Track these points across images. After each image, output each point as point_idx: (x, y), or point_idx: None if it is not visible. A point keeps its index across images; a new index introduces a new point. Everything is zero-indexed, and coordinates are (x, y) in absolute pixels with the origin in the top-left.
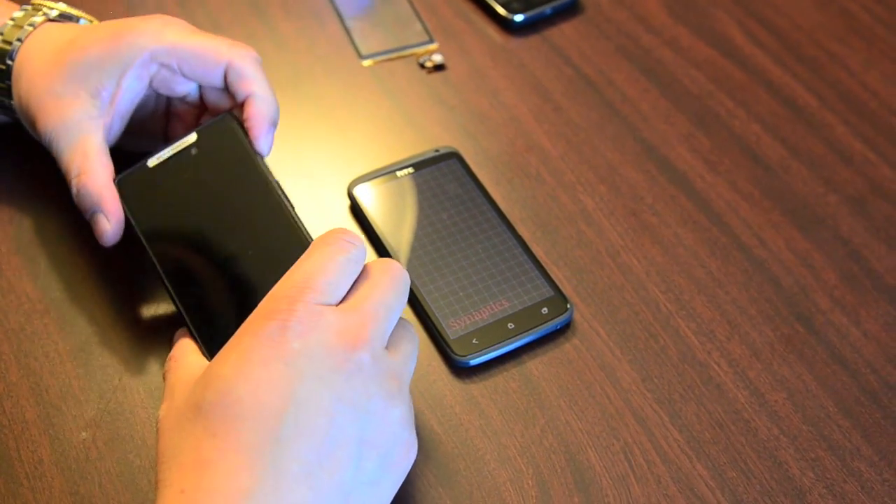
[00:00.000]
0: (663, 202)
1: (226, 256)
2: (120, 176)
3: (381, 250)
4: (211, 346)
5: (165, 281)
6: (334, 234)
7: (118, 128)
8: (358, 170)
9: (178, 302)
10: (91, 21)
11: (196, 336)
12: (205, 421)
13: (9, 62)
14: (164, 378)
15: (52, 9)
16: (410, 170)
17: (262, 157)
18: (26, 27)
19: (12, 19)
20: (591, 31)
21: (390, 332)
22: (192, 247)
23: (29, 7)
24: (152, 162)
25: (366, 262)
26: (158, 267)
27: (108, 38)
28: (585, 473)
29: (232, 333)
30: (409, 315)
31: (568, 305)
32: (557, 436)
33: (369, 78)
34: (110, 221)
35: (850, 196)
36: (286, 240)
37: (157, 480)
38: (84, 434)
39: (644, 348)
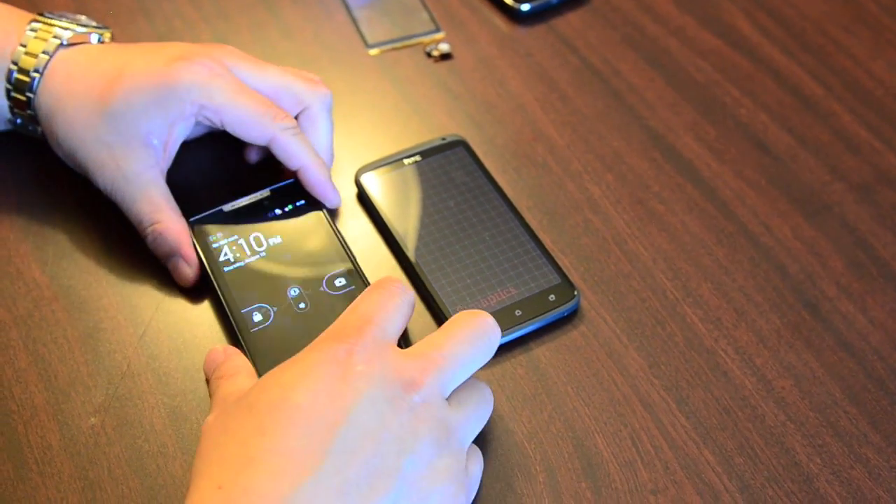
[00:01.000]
0: (670, 190)
1: (291, 299)
2: (194, 218)
3: (389, 238)
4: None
5: (232, 316)
6: (388, 281)
7: (170, 164)
8: (365, 158)
9: (241, 337)
10: (103, 34)
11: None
12: (257, 419)
13: (29, 95)
14: (210, 393)
15: (64, 29)
16: (417, 158)
17: (332, 219)
18: (41, 55)
19: (23, 45)
20: (598, 21)
21: (455, 384)
22: (259, 287)
23: (38, 26)
24: (227, 208)
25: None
26: (225, 303)
27: (151, 87)
28: (593, 459)
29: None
30: (417, 302)
31: (575, 293)
32: (565, 422)
33: (376, 67)
34: (190, 266)
35: (856, 184)
36: (346, 283)
37: (192, 474)
38: (93, 420)
39: (651, 335)
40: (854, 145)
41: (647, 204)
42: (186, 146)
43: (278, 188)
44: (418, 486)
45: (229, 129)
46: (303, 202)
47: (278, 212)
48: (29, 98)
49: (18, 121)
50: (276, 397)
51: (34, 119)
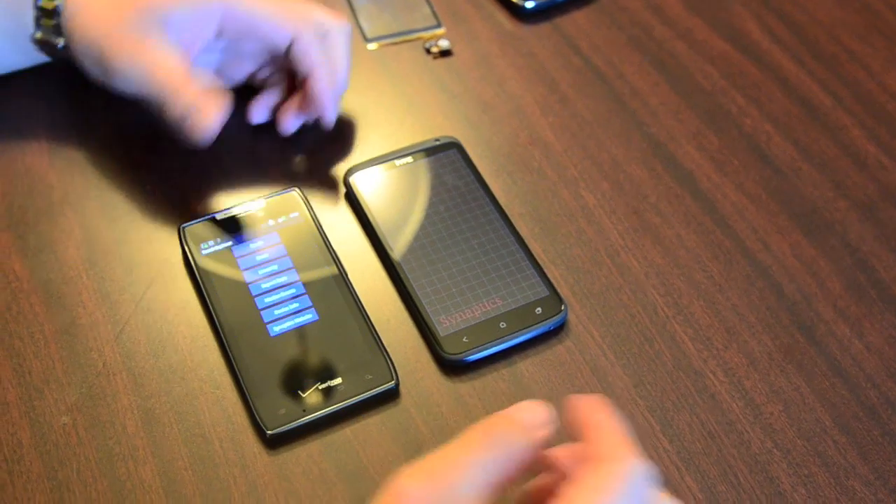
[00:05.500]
0: (667, 201)
1: (279, 308)
2: (186, 224)
3: (375, 241)
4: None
5: (219, 322)
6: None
7: (197, 66)
8: (356, 155)
9: (228, 344)
10: None
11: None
12: None
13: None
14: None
15: None
16: (409, 159)
17: (325, 236)
18: None
19: None
20: (604, 21)
21: None
22: (247, 295)
23: None
24: (220, 216)
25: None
26: (213, 310)
27: None
28: None
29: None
30: (400, 310)
31: (562, 307)
32: None
33: (374, 61)
34: (211, 114)
35: (860, 202)
36: (343, 306)
37: None
38: (65, 419)
39: (638, 353)
40: (861, 161)
41: (643, 215)
42: (190, 150)
43: (273, 199)
44: None
45: (252, 32)
46: (296, 214)
47: (271, 223)
48: (57, 7)
49: (40, 33)
50: None
51: (58, 30)
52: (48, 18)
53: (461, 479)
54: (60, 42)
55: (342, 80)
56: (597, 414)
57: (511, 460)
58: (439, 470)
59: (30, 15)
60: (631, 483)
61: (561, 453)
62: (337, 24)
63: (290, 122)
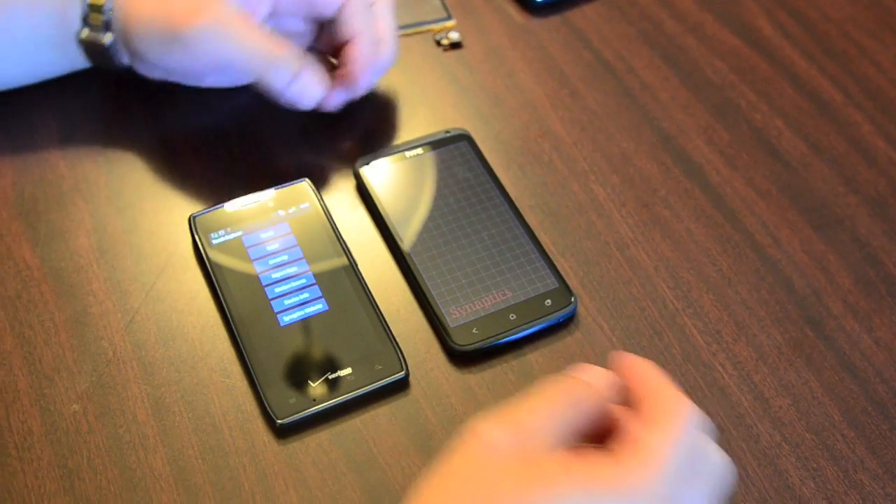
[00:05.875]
0: (677, 195)
1: (288, 299)
2: (197, 213)
3: (385, 232)
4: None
5: (230, 312)
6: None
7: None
8: (366, 147)
9: (238, 334)
10: None
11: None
12: None
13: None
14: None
15: None
16: (419, 151)
17: (335, 226)
18: None
19: None
20: (614, 14)
21: None
22: (257, 285)
23: None
24: (230, 206)
25: None
26: (224, 300)
27: None
28: None
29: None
30: (410, 301)
31: (572, 298)
32: None
33: None
34: (317, 75)
35: (870, 197)
36: (353, 296)
37: None
38: (75, 406)
39: (648, 346)
40: (871, 156)
41: (652, 208)
42: (200, 140)
43: (283, 189)
44: None
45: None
46: (306, 204)
47: (282, 213)
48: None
49: (86, 31)
50: None
51: (108, 25)
52: (97, 13)
53: (542, 427)
54: (109, 39)
55: (388, 52)
56: (650, 371)
57: (584, 415)
58: (521, 417)
59: (76, 13)
60: (693, 425)
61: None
62: None
63: (335, 97)
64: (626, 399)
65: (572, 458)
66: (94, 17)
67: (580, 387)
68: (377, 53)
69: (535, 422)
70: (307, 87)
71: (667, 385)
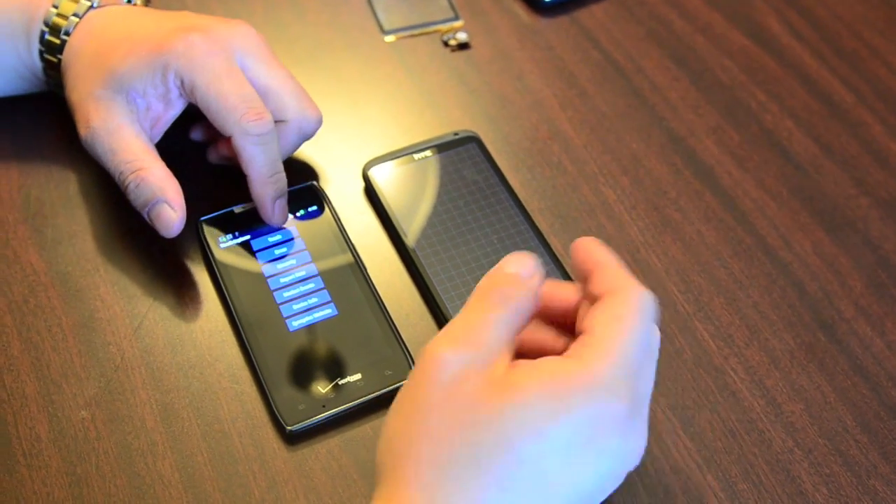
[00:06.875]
0: (687, 197)
1: (296, 302)
2: (204, 217)
3: (393, 234)
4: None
5: (237, 316)
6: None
7: (157, 131)
8: (374, 149)
9: (246, 337)
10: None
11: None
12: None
13: (59, 56)
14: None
15: None
16: (428, 153)
17: (344, 230)
18: (71, 18)
19: (55, 6)
20: (623, 14)
21: None
22: (265, 288)
23: None
24: (238, 210)
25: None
26: (231, 303)
27: (146, 52)
28: None
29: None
30: (419, 305)
31: None
32: None
33: (391, 54)
34: (175, 210)
35: (882, 199)
36: (362, 300)
37: (387, 457)
38: (83, 413)
39: (659, 350)
40: (883, 158)
41: (663, 211)
42: (203, 146)
43: (290, 192)
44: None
45: (202, 110)
46: (314, 207)
47: (290, 216)
48: (59, 59)
49: (52, 83)
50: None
51: (61, 85)
52: (53, 71)
53: (488, 337)
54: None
55: (274, 185)
56: (598, 252)
57: (522, 311)
58: (468, 333)
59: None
60: (646, 309)
61: (567, 292)
62: (300, 115)
63: (213, 157)
64: (577, 276)
65: (533, 367)
66: (50, 38)
67: (514, 285)
68: (268, 184)
69: (484, 334)
70: (158, 220)
71: (617, 268)
